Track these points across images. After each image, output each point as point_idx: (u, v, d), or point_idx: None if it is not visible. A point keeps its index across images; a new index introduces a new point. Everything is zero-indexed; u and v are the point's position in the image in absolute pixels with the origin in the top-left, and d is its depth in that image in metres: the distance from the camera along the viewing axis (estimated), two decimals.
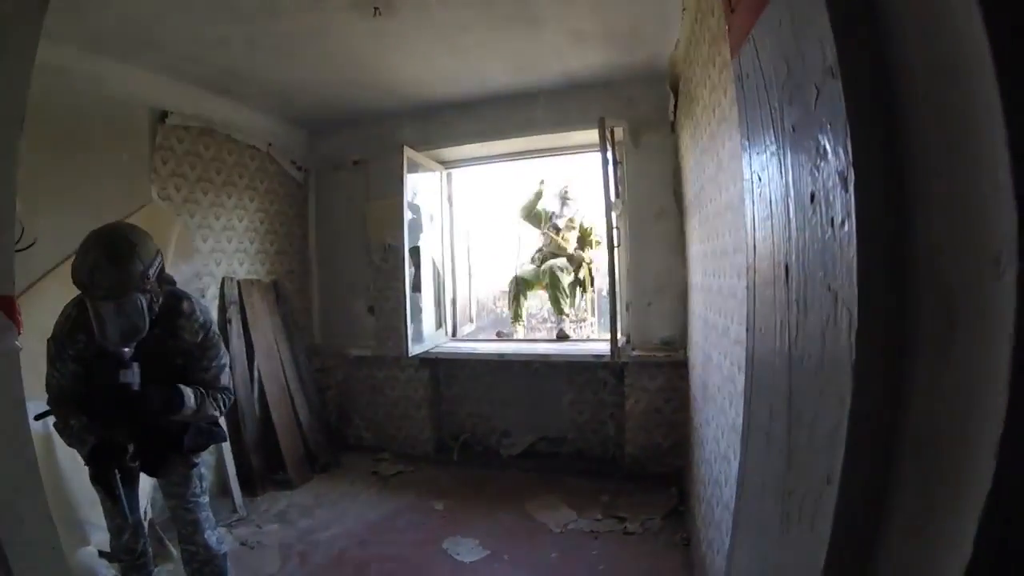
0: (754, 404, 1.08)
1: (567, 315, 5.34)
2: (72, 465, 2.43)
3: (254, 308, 4.44)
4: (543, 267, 5.37)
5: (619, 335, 4.02)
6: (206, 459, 2.86)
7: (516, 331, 5.54)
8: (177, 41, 3.15)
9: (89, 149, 3.24)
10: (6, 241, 1.29)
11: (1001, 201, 0.46)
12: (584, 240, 5.42)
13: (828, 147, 0.69)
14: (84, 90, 3.19)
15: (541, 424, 4.84)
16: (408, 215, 4.55)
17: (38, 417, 1.93)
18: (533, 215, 5.67)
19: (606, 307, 4.42)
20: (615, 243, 3.83)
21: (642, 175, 4.21)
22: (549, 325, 6.84)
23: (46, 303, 2.21)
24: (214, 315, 4.04)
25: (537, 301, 7.11)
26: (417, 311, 4.74)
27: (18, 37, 1.26)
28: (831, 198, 0.69)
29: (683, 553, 3.15)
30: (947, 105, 0.54)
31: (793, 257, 0.83)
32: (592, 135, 3.96)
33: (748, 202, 1.06)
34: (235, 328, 4.25)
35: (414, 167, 4.70)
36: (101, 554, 2.61)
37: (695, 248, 3.33)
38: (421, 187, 4.99)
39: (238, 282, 4.36)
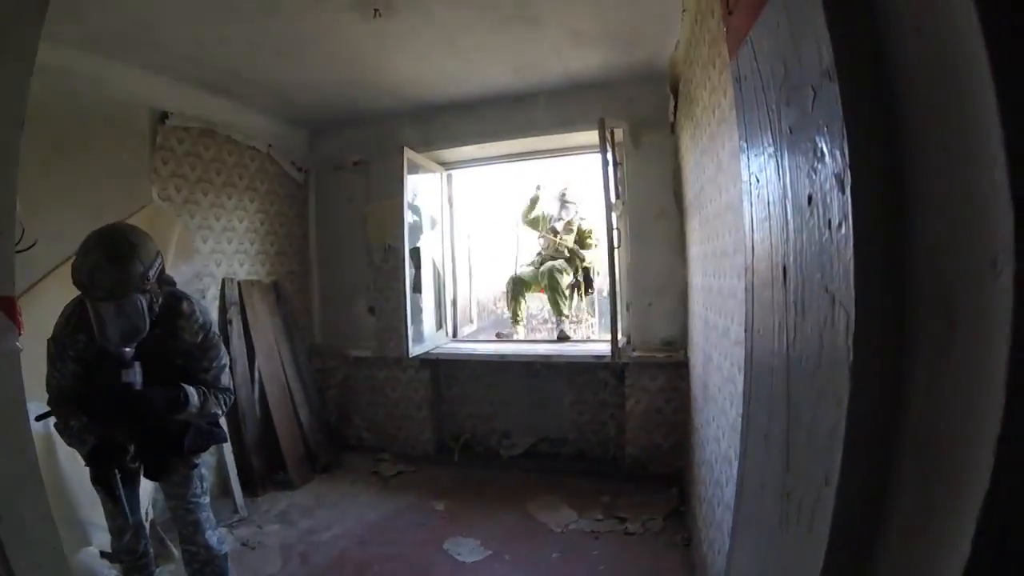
0: (753, 405, 1.08)
1: (566, 316, 5.33)
2: (73, 465, 2.43)
3: (254, 309, 4.44)
4: (542, 268, 5.36)
5: (619, 336, 4.02)
6: (207, 460, 2.87)
7: (516, 332, 5.54)
8: (177, 42, 3.15)
9: (89, 150, 3.24)
10: (7, 242, 1.29)
11: (998, 202, 0.46)
12: (582, 242, 5.40)
13: (825, 149, 0.69)
14: (84, 91, 3.20)
15: (542, 425, 4.84)
16: (408, 216, 4.55)
17: (39, 418, 1.94)
18: (531, 220, 5.67)
19: (606, 308, 4.42)
20: (615, 244, 3.83)
21: (642, 176, 4.21)
22: (549, 326, 6.84)
23: (47, 304, 2.21)
24: (214, 316, 4.06)
25: (538, 302, 7.11)
26: (417, 312, 4.74)
27: (18, 38, 1.26)
28: (828, 200, 0.69)
29: (684, 553, 3.15)
30: (944, 106, 0.54)
31: (791, 259, 0.83)
32: (592, 136, 3.96)
33: (746, 203, 1.07)
34: (236, 329, 4.25)
35: (414, 168, 4.70)
36: (102, 554, 2.60)
37: (695, 249, 3.33)
38: (421, 188, 4.99)
39: (238, 283, 4.36)
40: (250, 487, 4.04)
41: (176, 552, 2.84)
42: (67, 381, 2.00)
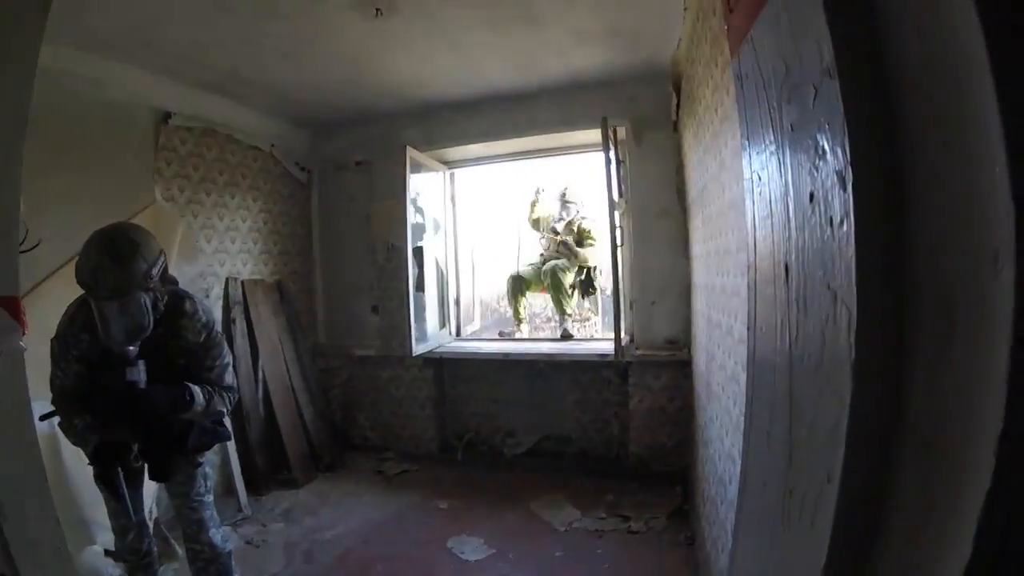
0: (755, 403, 1.08)
1: (569, 315, 5.32)
2: (77, 465, 2.44)
3: (258, 308, 4.45)
4: (544, 268, 5.35)
5: (623, 334, 4.01)
6: (211, 458, 2.87)
7: (519, 331, 5.53)
8: (179, 43, 3.16)
9: (93, 151, 3.25)
10: (11, 243, 1.30)
11: (998, 199, 0.46)
12: (580, 240, 5.37)
13: (826, 146, 0.69)
14: (87, 92, 3.20)
15: (545, 423, 4.84)
16: (411, 215, 4.56)
17: (43, 417, 1.94)
18: (533, 221, 5.68)
19: (610, 306, 4.41)
20: (618, 242, 3.82)
21: (644, 175, 4.20)
22: (553, 324, 6.83)
23: (50, 304, 2.22)
24: (218, 315, 4.10)
25: (541, 301, 7.10)
26: (421, 311, 4.74)
27: (20, 41, 1.27)
28: (830, 197, 0.69)
29: (687, 552, 3.14)
30: (944, 104, 0.54)
31: (793, 256, 0.83)
32: (594, 134, 3.95)
33: (748, 201, 1.07)
34: (239, 328, 4.26)
35: (417, 167, 4.70)
36: (107, 553, 2.62)
37: (698, 247, 3.32)
38: (424, 187, 4.99)
39: (242, 282, 4.37)
40: (254, 486, 4.05)
41: (180, 551, 2.85)
42: (71, 381, 2.00)
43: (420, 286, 4.76)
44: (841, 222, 0.66)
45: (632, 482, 4.07)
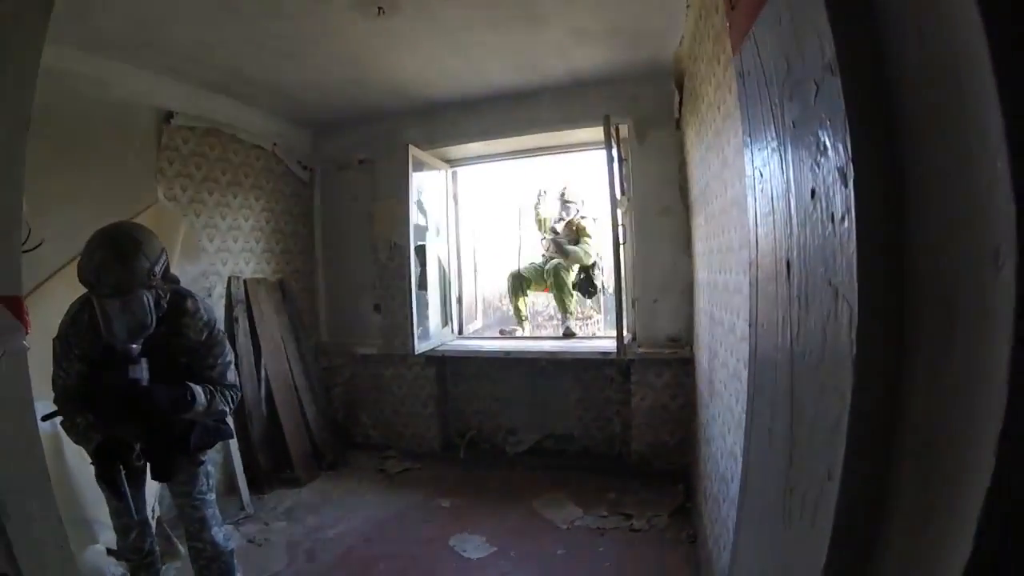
0: (756, 400, 1.08)
1: (572, 313, 5.32)
2: (80, 464, 2.44)
3: (260, 307, 4.46)
4: (547, 267, 5.34)
5: (625, 332, 4.01)
6: (213, 457, 2.88)
7: (520, 329, 5.52)
8: (181, 42, 3.16)
9: (95, 150, 3.26)
10: (13, 242, 1.31)
11: (999, 195, 0.46)
12: (577, 238, 5.35)
13: (828, 143, 0.69)
14: (89, 92, 3.21)
15: (547, 422, 4.84)
16: (414, 213, 4.56)
17: (46, 417, 1.94)
18: (538, 222, 5.68)
19: (612, 304, 4.41)
20: (620, 240, 3.82)
21: (646, 173, 4.19)
22: (555, 322, 6.83)
23: (53, 303, 2.22)
24: (221, 314, 4.11)
25: (544, 299, 7.09)
26: (423, 309, 4.75)
27: (23, 40, 1.27)
28: (831, 194, 0.69)
29: (689, 550, 3.14)
30: (945, 100, 0.54)
31: (794, 253, 0.83)
32: (596, 132, 3.95)
33: (750, 198, 1.06)
34: (242, 327, 4.27)
35: (419, 166, 4.70)
36: (109, 552, 2.63)
37: (700, 245, 3.32)
38: (427, 186, 4.99)
39: (244, 281, 4.38)
40: (256, 484, 4.06)
41: (182, 549, 2.86)
42: (73, 380, 2.01)
43: (422, 284, 4.77)
44: (842, 218, 0.66)
45: (634, 480, 4.07)
